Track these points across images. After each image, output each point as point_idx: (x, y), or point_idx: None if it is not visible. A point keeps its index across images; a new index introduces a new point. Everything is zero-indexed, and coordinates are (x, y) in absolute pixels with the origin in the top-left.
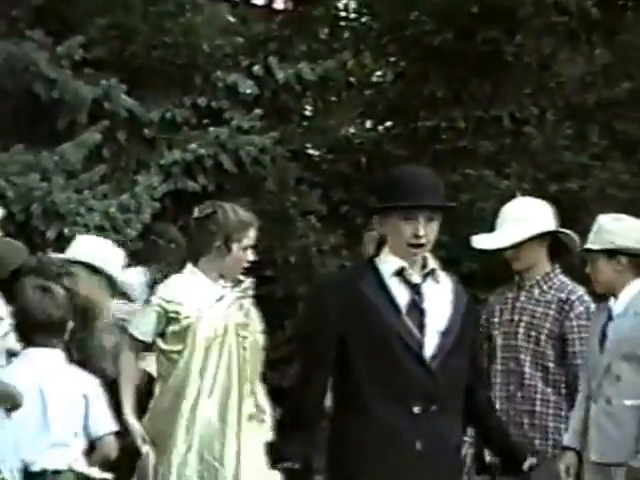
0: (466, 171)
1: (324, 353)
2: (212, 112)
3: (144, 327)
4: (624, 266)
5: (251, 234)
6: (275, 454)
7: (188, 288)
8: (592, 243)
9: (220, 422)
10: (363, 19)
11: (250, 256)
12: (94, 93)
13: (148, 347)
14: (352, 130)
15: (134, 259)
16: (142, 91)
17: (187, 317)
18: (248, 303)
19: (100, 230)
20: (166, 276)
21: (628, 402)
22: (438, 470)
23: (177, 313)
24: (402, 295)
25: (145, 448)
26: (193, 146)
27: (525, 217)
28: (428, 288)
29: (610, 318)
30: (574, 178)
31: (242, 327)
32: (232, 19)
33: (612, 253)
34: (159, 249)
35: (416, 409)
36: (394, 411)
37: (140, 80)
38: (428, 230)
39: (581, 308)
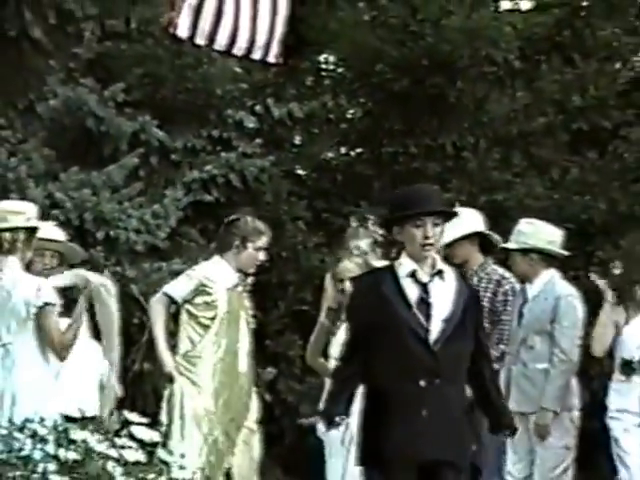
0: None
1: (358, 341)
2: (223, 141)
3: (179, 290)
4: (535, 261)
5: (263, 239)
6: (327, 414)
7: (216, 272)
8: (511, 243)
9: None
10: (339, 70)
11: (261, 256)
12: (132, 127)
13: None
14: (331, 155)
15: (164, 255)
16: (170, 125)
17: (215, 293)
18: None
19: (137, 232)
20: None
21: (539, 366)
22: (443, 431)
23: (209, 287)
24: (413, 292)
25: (176, 375)
26: (209, 167)
27: (457, 222)
28: (435, 285)
29: (526, 300)
30: (500, 192)
31: (248, 309)
32: (239, 70)
33: (525, 251)
34: (183, 247)
35: (422, 383)
36: (405, 385)
37: (168, 117)
38: (435, 232)
39: (507, 287)
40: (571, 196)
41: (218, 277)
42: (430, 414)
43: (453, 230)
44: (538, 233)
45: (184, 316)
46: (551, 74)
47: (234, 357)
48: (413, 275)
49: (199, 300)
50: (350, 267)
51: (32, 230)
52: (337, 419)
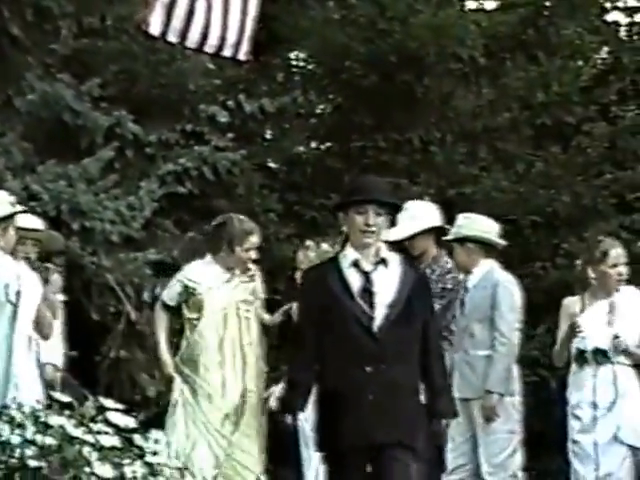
0: (387, 180)
1: (308, 332)
2: (196, 135)
3: (170, 294)
4: (472, 250)
5: (252, 240)
6: (286, 406)
7: (204, 272)
8: (449, 235)
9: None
10: (310, 66)
11: (253, 255)
12: (108, 121)
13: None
14: (301, 149)
15: (139, 245)
16: (144, 119)
17: (200, 293)
18: (253, 285)
19: (112, 223)
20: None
21: (480, 352)
22: (391, 415)
23: (194, 289)
24: (356, 282)
25: (174, 376)
26: (182, 160)
27: (415, 215)
28: (378, 274)
29: (466, 290)
30: (467, 185)
31: (244, 303)
32: (211, 66)
33: (462, 241)
34: (157, 238)
35: (368, 369)
36: (352, 372)
37: (143, 111)
38: (377, 221)
39: (448, 276)
40: (536, 189)
41: (203, 277)
42: (376, 399)
43: (412, 224)
44: (473, 224)
45: (183, 318)
46: (516, 71)
47: (240, 353)
48: (356, 265)
49: (190, 301)
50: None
51: (7, 218)
52: (290, 416)
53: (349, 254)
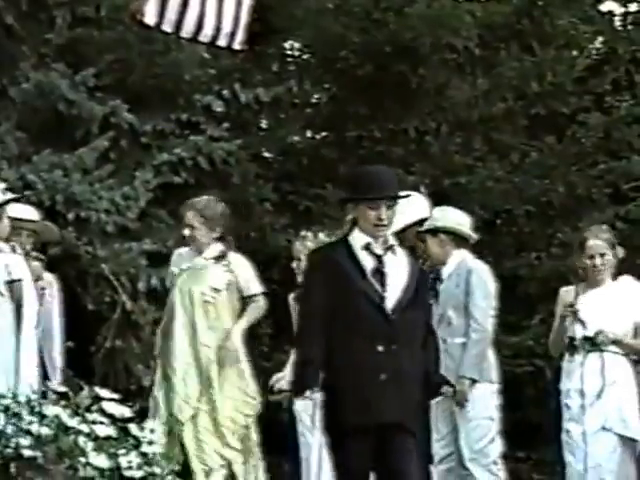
0: (393, 170)
1: (318, 311)
2: (192, 125)
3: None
4: (445, 241)
5: (187, 216)
6: (297, 386)
7: (174, 258)
8: (423, 227)
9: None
10: (305, 56)
11: (186, 232)
12: (103, 111)
13: None
14: (297, 138)
15: (134, 235)
16: (139, 109)
17: (171, 277)
18: (214, 268)
19: (107, 213)
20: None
21: (457, 340)
22: (398, 395)
23: (172, 272)
24: (368, 262)
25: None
26: (177, 150)
27: (404, 210)
28: (388, 258)
29: (440, 280)
30: (462, 175)
31: (199, 284)
32: (207, 55)
33: (434, 232)
34: (152, 228)
35: (380, 348)
36: (364, 350)
37: (138, 101)
38: (389, 214)
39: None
40: (531, 179)
41: (174, 262)
42: (388, 378)
43: (403, 217)
44: (446, 216)
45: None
46: (510, 61)
47: (193, 333)
48: (367, 247)
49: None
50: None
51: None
52: (308, 392)
53: (360, 237)
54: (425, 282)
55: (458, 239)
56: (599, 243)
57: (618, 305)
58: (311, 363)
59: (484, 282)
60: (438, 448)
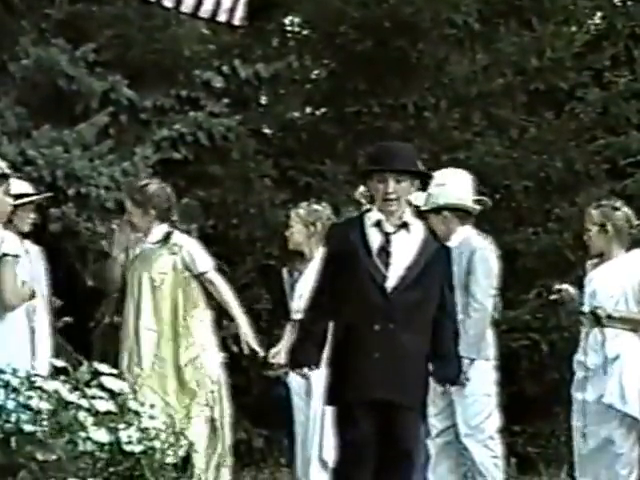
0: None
1: (325, 287)
2: (191, 101)
3: None
4: (448, 219)
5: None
6: (294, 361)
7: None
8: (424, 205)
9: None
10: (304, 32)
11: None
12: (103, 86)
13: None
14: (296, 114)
15: None
16: (139, 85)
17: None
18: (160, 251)
19: (107, 189)
20: None
21: (459, 317)
22: (393, 374)
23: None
24: (376, 241)
25: None
26: (177, 126)
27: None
28: (399, 236)
29: None
30: (461, 150)
31: (148, 269)
32: (206, 31)
33: (437, 210)
34: None
35: (376, 327)
36: (361, 329)
37: (138, 76)
38: (397, 189)
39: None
40: (529, 154)
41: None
42: (382, 357)
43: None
44: (446, 192)
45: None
46: (509, 36)
47: (137, 316)
48: (378, 225)
49: None
50: (320, 210)
51: None
52: (305, 369)
53: (373, 215)
54: (442, 261)
55: (462, 214)
56: (591, 217)
57: (623, 278)
58: (310, 340)
59: (486, 261)
60: (435, 422)
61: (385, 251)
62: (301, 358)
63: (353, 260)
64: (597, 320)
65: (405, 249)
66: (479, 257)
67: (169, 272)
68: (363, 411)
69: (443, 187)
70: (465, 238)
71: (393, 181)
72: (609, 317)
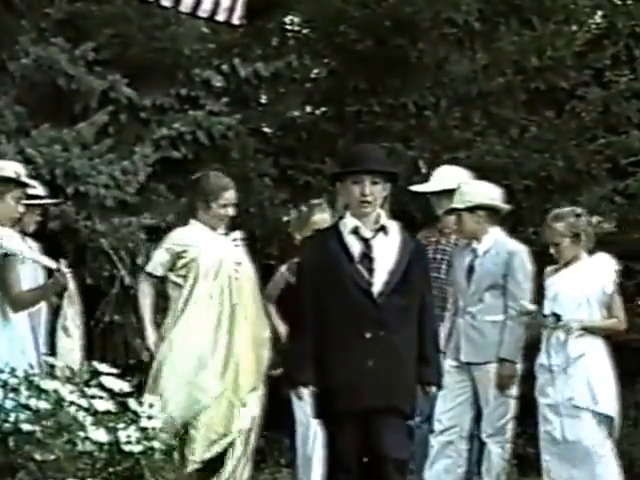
0: (381, 144)
1: (309, 301)
2: (191, 99)
3: (155, 264)
4: (482, 218)
5: (226, 195)
6: (294, 381)
7: (191, 235)
8: (457, 203)
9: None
10: (304, 30)
11: (230, 212)
12: (102, 85)
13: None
14: (296, 113)
15: (133, 210)
16: (139, 84)
17: (191, 253)
18: (239, 248)
19: (107, 188)
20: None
21: (488, 318)
22: (388, 380)
23: (184, 251)
24: (356, 247)
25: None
26: (177, 125)
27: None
28: (378, 241)
29: (476, 256)
30: (461, 150)
31: (234, 262)
32: (206, 30)
33: (472, 209)
34: (152, 202)
35: (367, 334)
36: (351, 337)
37: (137, 75)
38: (373, 190)
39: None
40: (530, 154)
41: (192, 239)
42: (376, 364)
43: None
44: (478, 191)
45: (169, 286)
46: (510, 35)
47: (229, 312)
48: (356, 232)
49: (178, 263)
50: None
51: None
52: (302, 388)
53: (349, 221)
54: (420, 258)
55: (491, 213)
56: (551, 232)
57: (586, 284)
58: (303, 358)
59: (526, 264)
60: (444, 419)
61: (367, 257)
62: (302, 378)
63: (335, 269)
64: (558, 321)
65: (386, 253)
66: (519, 261)
67: (239, 260)
68: (355, 420)
69: (472, 186)
70: (498, 239)
71: (369, 182)
72: (569, 330)
